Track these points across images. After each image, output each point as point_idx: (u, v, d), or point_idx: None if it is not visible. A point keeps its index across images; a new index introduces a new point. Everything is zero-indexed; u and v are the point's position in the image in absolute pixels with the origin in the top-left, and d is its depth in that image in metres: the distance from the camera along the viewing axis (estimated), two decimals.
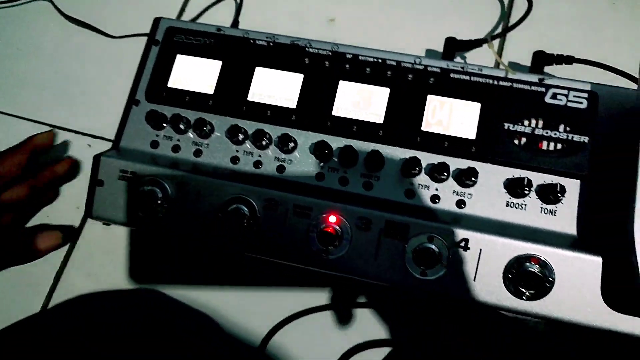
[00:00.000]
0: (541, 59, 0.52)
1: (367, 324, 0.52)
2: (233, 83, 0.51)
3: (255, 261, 0.53)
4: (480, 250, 0.43)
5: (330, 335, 0.52)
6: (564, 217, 0.45)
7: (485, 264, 0.43)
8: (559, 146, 0.45)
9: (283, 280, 0.54)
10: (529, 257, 0.42)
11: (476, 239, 0.43)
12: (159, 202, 0.46)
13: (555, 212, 0.45)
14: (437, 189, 0.46)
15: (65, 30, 0.68)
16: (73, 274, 0.57)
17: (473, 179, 0.45)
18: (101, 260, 0.57)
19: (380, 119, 0.48)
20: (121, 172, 0.48)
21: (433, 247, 0.43)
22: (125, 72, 0.56)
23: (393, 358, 0.50)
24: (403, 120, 0.48)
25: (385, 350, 0.50)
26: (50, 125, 0.63)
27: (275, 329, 0.52)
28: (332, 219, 0.44)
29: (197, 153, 0.50)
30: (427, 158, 0.47)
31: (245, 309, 0.54)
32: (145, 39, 0.54)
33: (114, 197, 0.48)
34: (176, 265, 0.56)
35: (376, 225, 0.44)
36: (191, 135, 0.50)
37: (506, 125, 0.46)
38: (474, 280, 0.43)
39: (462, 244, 0.43)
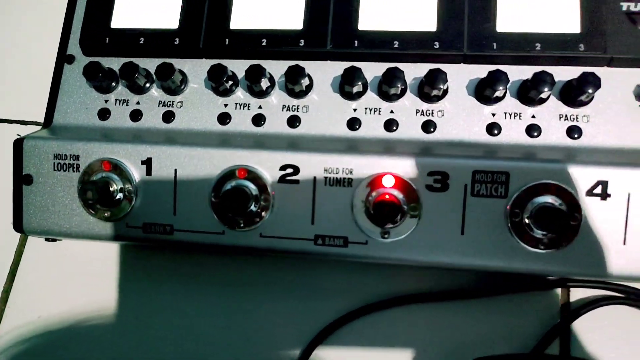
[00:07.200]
0: None
1: None
2: (205, 9, 0.34)
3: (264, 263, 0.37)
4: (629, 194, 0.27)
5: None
6: None
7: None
8: None
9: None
10: None
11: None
12: (120, 194, 0.30)
13: None
14: (533, 116, 0.31)
15: None
16: (17, 312, 0.40)
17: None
18: (50, 287, 0.40)
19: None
20: (56, 158, 0.32)
21: (552, 202, 0.27)
22: (51, 25, 0.40)
23: None
24: None
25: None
26: None
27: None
28: (389, 181, 0.28)
29: (168, 117, 0.34)
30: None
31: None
32: None
33: (51, 198, 0.32)
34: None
35: (457, 181, 0.28)
36: (155, 93, 0.34)
37: None
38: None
39: (599, 190, 0.27)
